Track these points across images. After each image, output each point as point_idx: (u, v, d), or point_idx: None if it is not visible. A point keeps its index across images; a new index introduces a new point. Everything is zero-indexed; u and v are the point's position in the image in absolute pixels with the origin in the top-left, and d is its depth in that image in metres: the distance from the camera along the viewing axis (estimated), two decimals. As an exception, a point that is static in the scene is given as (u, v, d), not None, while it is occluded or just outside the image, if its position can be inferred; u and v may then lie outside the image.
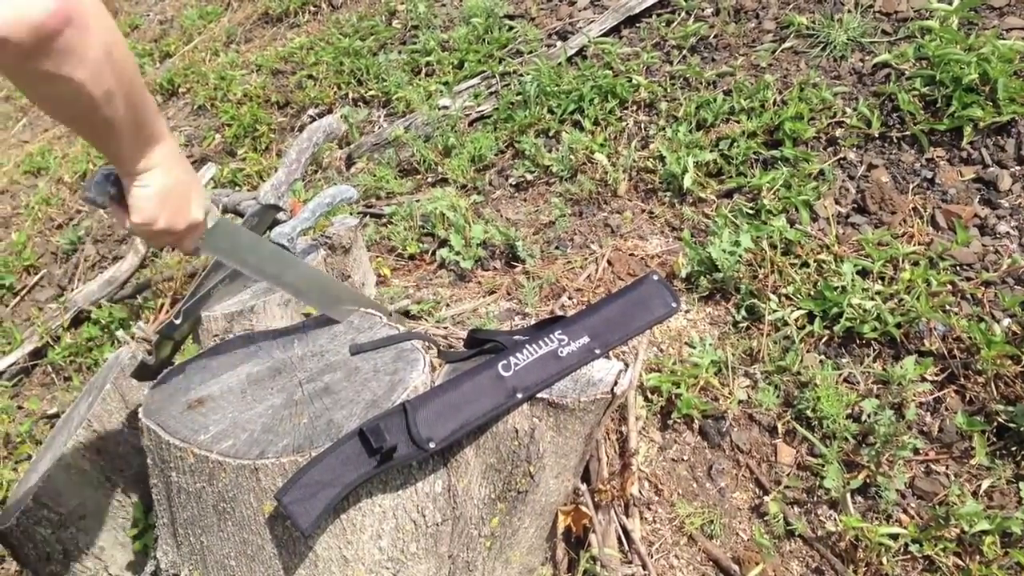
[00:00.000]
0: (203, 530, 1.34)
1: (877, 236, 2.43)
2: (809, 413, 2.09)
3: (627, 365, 1.49)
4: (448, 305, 2.68)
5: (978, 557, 1.76)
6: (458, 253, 2.88)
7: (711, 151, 2.93)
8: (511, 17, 4.23)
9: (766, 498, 2.01)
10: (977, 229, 2.41)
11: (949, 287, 2.24)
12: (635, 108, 3.32)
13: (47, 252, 4.36)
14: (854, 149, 2.75)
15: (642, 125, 3.25)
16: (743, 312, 2.40)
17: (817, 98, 2.88)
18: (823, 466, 1.99)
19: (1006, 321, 2.14)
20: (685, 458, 2.14)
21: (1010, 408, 1.97)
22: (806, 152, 2.77)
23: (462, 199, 3.17)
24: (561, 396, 1.41)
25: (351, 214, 3.16)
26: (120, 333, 2.84)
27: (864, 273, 2.34)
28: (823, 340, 2.27)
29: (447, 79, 3.98)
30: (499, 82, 3.80)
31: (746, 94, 3.04)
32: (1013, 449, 1.94)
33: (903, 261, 2.33)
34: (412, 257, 3.05)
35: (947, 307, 2.20)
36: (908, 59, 2.85)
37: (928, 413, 2.08)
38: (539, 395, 1.41)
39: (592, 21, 3.85)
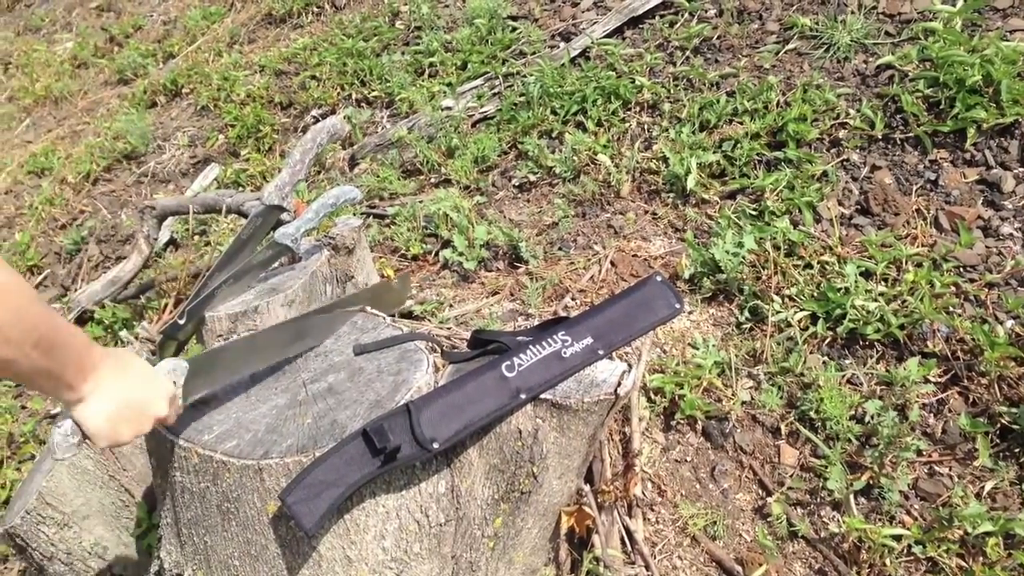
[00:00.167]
0: (207, 530, 1.34)
1: (880, 237, 2.42)
2: (812, 414, 2.09)
3: (630, 366, 1.49)
4: (451, 306, 2.68)
5: (981, 558, 1.76)
6: (461, 254, 2.88)
7: (714, 152, 2.93)
8: (514, 18, 4.23)
9: (769, 499, 2.01)
10: (980, 231, 2.41)
11: (952, 289, 2.24)
12: (638, 109, 3.32)
13: (51, 252, 4.37)
14: (857, 150, 2.75)
15: (645, 126, 3.25)
16: (746, 313, 2.40)
17: (820, 99, 2.87)
18: (826, 467, 1.99)
19: (1009, 323, 2.14)
20: (688, 459, 2.14)
21: (1013, 410, 1.97)
22: (809, 153, 2.77)
23: (465, 200, 3.17)
24: (565, 397, 1.41)
25: (354, 215, 3.17)
26: (124, 333, 2.84)
27: (867, 274, 2.34)
28: (826, 341, 2.27)
29: (450, 80, 3.98)
30: (502, 83, 3.80)
31: (749, 95, 3.04)
32: (1016, 451, 1.94)
33: (906, 263, 2.33)
34: (415, 258, 3.06)
35: (950, 309, 2.20)
36: (911, 61, 2.85)
37: (931, 415, 2.08)
38: (543, 396, 1.41)
39: (595, 22, 3.85)
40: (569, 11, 4.11)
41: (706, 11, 3.64)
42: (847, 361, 2.22)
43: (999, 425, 1.98)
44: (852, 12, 3.20)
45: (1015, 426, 1.95)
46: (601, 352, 1.48)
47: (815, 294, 2.34)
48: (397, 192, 3.49)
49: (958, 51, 2.66)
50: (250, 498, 1.25)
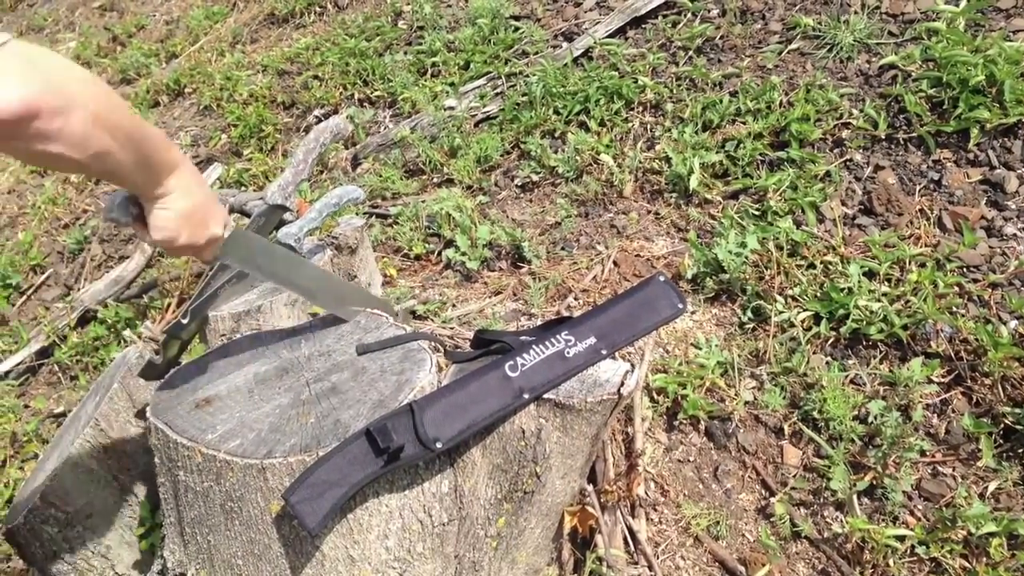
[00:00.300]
0: (210, 529, 1.34)
1: (884, 238, 2.42)
2: (815, 414, 2.09)
3: (633, 366, 1.49)
4: (454, 305, 2.68)
5: (985, 559, 1.76)
6: (464, 254, 2.88)
7: (717, 152, 2.93)
8: (517, 18, 4.23)
9: (772, 499, 2.01)
10: (984, 231, 2.41)
11: (956, 289, 2.24)
12: (641, 109, 3.32)
13: (53, 251, 4.37)
14: (860, 150, 2.75)
15: (648, 126, 3.24)
16: (749, 313, 2.40)
17: (823, 99, 2.87)
18: (829, 467, 1.98)
19: (1013, 323, 2.13)
20: (691, 459, 2.14)
21: (1017, 410, 1.96)
22: (812, 153, 2.77)
23: (468, 200, 3.17)
24: (568, 397, 1.41)
25: (357, 214, 3.17)
26: (127, 332, 2.85)
27: (871, 275, 2.34)
28: (829, 342, 2.27)
29: (453, 80, 3.99)
30: (505, 83, 3.80)
31: (752, 95, 3.04)
32: (1020, 451, 1.94)
33: (910, 263, 2.33)
34: (418, 257, 3.06)
35: (954, 309, 2.20)
36: (915, 61, 2.85)
37: (935, 415, 2.07)
38: (546, 396, 1.41)
39: (598, 22, 3.85)
40: (572, 11, 4.11)
41: (709, 11, 3.63)
42: (850, 361, 2.22)
43: (1003, 425, 1.97)
44: (855, 12, 3.20)
45: (1019, 426, 1.94)
46: (604, 352, 1.47)
47: (818, 294, 2.34)
48: (400, 192, 3.49)
49: (961, 51, 2.66)
50: (253, 497, 1.26)
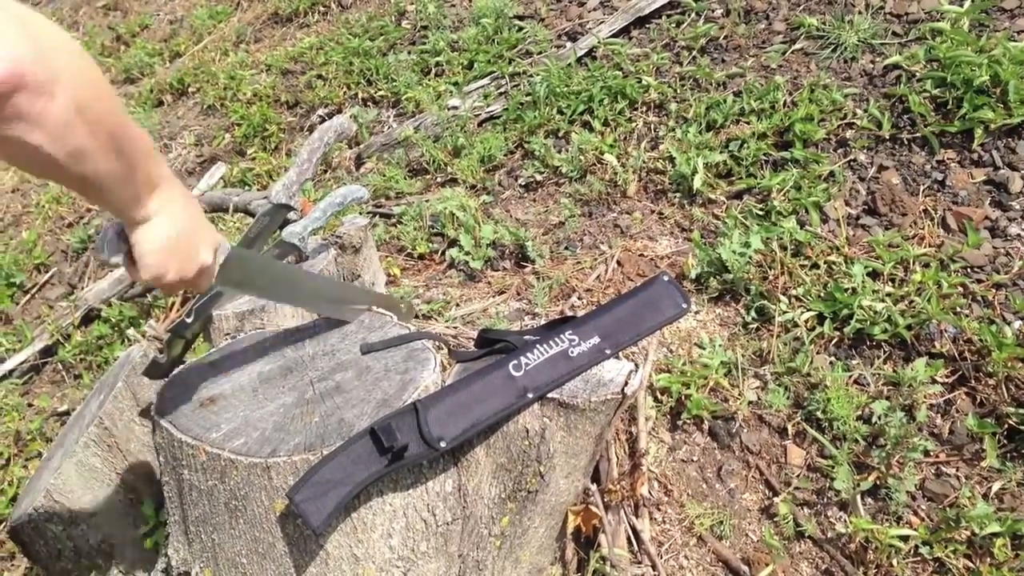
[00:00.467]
0: (214, 528, 1.34)
1: (887, 238, 2.42)
2: (819, 414, 2.09)
3: (637, 366, 1.49)
4: (458, 305, 2.68)
5: (988, 559, 1.76)
6: (468, 253, 2.88)
7: (721, 152, 2.93)
8: (521, 18, 4.24)
9: (776, 499, 2.01)
10: (988, 231, 2.40)
11: (960, 289, 2.24)
12: (645, 109, 3.32)
13: (57, 250, 4.38)
14: (864, 151, 2.74)
15: (652, 126, 3.24)
16: (753, 313, 2.40)
17: (827, 99, 2.87)
18: (833, 467, 1.98)
19: (1017, 323, 2.13)
20: (695, 459, 2.13)
21: (1021, 410, 1.96)
22: (816, 153, 2.76)
23: (472, 199, 3.17)
24: (571, 396, 1.41)
25: (361, 214, 3.17)
26: (131, 331, 2.85)
27: (874, 275, 2.34)
28: (833, 342, 2.27)
29: (457, 79, 3.99)
30: (509, 83, 3.80)
31: (756, 95, 3.04)
32: (1024, 452, 1.94)
33: (914, 263, 2.33)
34: (422, 257, 3.06)
35: (958, 309, 2.19)
36: (919, 61, 2.84)
37: (939, 415, 2.07)
38: (550, 395, 1.40)
39: (602, 22, 3.85)
40: (575, 11, 4.11)
41: (713, 11, 3.63)
42: (854, 361, 2.21)
43: (1006, 426, 1.97)
44: (859, 12, 3.19)
45: (1022, 427, 1.94)
46: (608, 351, 1.47)
47: (822, 294, 2.34)
48: (403, 191, 3.49)
49: (965, 51, 2.66)
50: (258, 496, 1.26)
